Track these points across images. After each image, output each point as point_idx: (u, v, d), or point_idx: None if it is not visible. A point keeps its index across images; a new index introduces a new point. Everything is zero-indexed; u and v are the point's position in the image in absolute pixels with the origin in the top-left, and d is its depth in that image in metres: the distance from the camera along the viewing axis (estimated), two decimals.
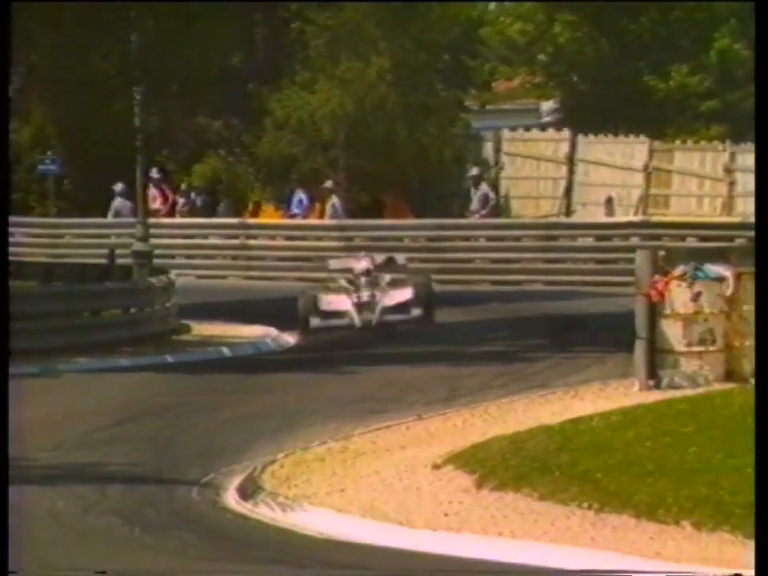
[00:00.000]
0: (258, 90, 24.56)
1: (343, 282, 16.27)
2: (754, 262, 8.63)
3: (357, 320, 15.77)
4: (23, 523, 7.79)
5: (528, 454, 8.47)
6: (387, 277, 16.34)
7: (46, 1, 14.96)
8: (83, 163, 24.07)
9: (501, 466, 8.32)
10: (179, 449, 9.94)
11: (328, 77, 24.22)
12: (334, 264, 17.20)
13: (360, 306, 15.81)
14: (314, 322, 15.78)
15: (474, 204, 23.77)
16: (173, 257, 22.31)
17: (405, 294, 15.98)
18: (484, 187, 23.93)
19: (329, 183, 23.76)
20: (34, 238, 24.43)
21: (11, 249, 23.68)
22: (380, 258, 16.97)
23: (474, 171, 24.07)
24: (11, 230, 24.36)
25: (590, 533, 7.26)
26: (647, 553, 6.90)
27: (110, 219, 24.22)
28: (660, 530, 7.17)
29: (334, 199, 23.74)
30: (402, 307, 15.91)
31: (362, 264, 16.34)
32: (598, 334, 15.19)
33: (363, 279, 16.09)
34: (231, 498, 8.53)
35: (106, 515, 8.00)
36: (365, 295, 15.86)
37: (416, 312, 15.90)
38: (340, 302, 15.89)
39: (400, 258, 17.64)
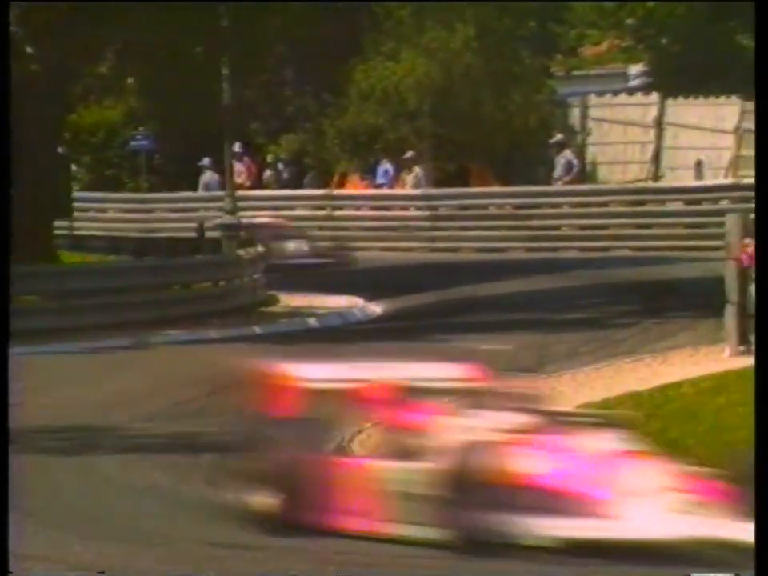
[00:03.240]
0: (342, 61, 24.59)
1: None
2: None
3: None
4: (120, 493, 7.95)
5: None
6: None
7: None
8: (173, 139, 24.33)
9: None
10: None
11: (413, 46, 24.15)
12: None
13: None
14: None
15: (557, 171, 23.60)
16: None
17: None
18: (567, 154, 23.73)
19: (410, 153, 23.75)
20: (127, 213, 24.78)
21: (105, 224, 24.20)
22: None
23: (557, 138, 23.87)
24: (105, 205, 24.87)
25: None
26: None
27: (199, 193, 24.48)
28: None
29: (417, 169, 23.73)
30: None
31: None
32: (688, 300, 15.02)
33: None
34: None
35: (199, 485, 8.13)
36: None
37: None
38: None
39: None
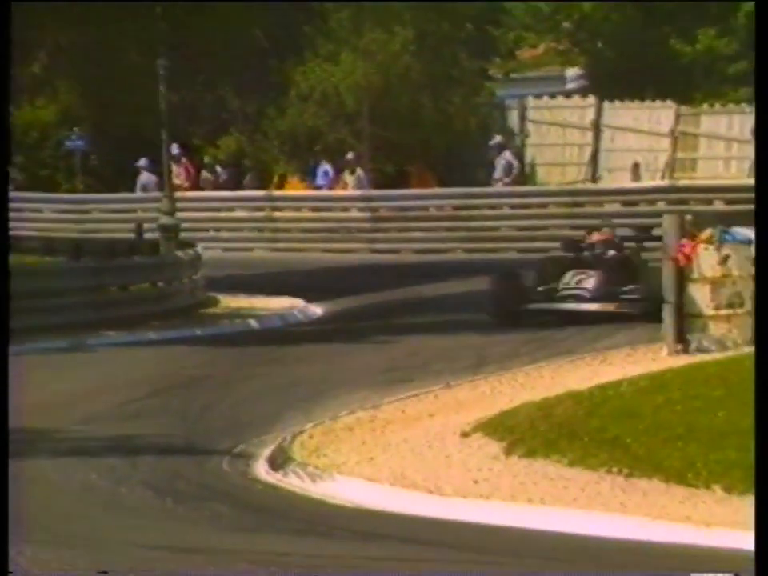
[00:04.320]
0: (281, 63, 24.53)
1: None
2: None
3: None
4: (58, 496, 7.85)
5: (557, 421, 8.47)
6: None
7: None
8: (109, 139, 24.11)
9: (529, 433, 8.33)
10: (209, 421, 9.99)
11: (352, 48, 24.15)
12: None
13: None
14: None
15: (498, 172, 23.73)
16: (200, 230, 22.36)
17: None
18: (507, 155, 23.86)
19: (350, 155, 23.76)
20: (63, 214, 24.52)
21: (40, 224, 23.93)
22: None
23: (497, 139, 23.99)
24: (40, 206, 24.59)
25: (619, 498, 7.26)
26: (677, 517, 6.89)
27: (136, 194, 24.28)
28: (690, 494, 7.17)
29: (359, 170, 23.74)
30: None
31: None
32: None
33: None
34: (261, 469, 8.57)
35: (138, 487, 8.05)
36: None
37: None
38: None
39: None
